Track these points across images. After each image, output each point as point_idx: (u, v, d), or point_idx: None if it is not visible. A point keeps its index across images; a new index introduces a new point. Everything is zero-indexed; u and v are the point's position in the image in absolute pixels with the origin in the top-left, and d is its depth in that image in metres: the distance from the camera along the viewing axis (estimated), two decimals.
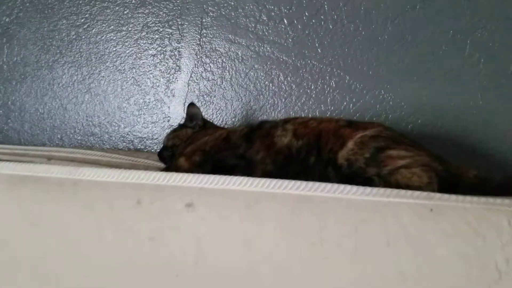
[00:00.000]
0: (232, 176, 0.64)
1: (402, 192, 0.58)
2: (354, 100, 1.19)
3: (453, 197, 0.56)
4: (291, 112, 1.23)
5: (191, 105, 1.09)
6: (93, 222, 0.67)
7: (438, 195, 0.57)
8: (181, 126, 1.10)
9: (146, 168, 1.13)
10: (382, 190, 0.59)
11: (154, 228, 0.65)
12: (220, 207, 0.63)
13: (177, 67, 1.32)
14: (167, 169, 0.98)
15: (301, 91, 1.22)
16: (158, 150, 1.11)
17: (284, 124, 0.88)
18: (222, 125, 1.24)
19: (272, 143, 0.85)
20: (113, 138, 1.36)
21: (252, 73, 1.26)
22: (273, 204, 0.62)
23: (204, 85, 1.30)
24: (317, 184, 0.61)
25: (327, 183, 0.61)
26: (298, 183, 0.61)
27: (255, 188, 0.62)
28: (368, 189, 0.59)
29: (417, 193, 0.57)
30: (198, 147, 0.94)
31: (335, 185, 0.60)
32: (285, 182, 0.62)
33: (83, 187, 0.69)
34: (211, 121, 1.19)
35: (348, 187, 0.60)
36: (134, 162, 1.15)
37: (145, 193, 0.66)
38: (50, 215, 0.70)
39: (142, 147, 1.34)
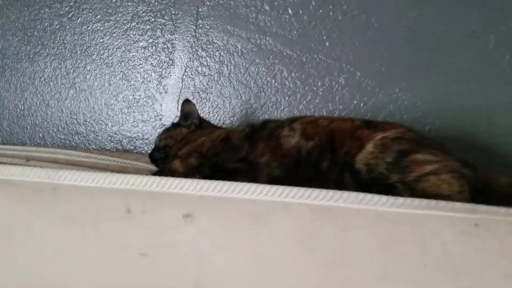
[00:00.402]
0: (237, 183, 0.57)
1: (442, 203, 0.51)
2: (365, 98, 1.12)
3: (502, 210, 0.49)
4: (296, 111, 1.16)
5: (186, 102, 1.02)
6: (75, 234, 0.61)
7: (484, 207, 0.49)
8: (174, 125, 1.05)
9: (137, 171, 1.06)
10: (417, 201, 0.52)
11: (146, 242, 0.58)
12: (224, 219, 0.57)
13: (170, 61, 1.26)
14: (160, 172, 0.92)
15: (306, 88, 1.16)
16: (149, 151, 1.06)
17: (290, 124, 0.82)
18: (219, 125, 1.17)
19: (278, 145, 0.78)
20: (100, 137, 1.30)
21: (252, 68, 1.20)
22: (286, 215, 0.55)
23: (200, 81, 1.24)
24: (338, 193, 0.54)
25: (350, 192, 0.54)
26: (315, 191, 0.54)
27: (265, 197, 0.55)
28: (400, 200, 0.52)
29: (458, 204, 0.50)
30: (194, 149, 0.88)
31: (360, 195, 0.53)
32: (301, 190, 0.54)
33: (64, 193, 0.62)
34: (207, 120, 1.11)
35: (376, 196, 0.52)
36: (123, 164, 1.08)
37: (135, 201, 0.59)
38: (24, 225, 0.63)
39: (132, 147, 1.28)
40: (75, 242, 0.60)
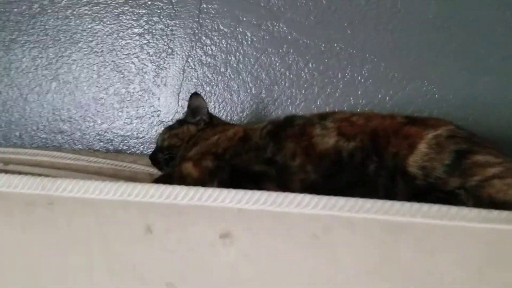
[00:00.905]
0: (287, 193, 0.47)
1: None
2: (391, 92, 1.05)
3: None
4: (313, 106, 1.10)
5: (195, 95, 0.95)
6: (78, 259, 0.50)
7: None
8: (180, 123, 0.96)
9: (134, 174, 0.97)
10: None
11: (173, 269, 0.48)
12: (271, 238, 0.47)
13: (170, 50, 1.17)
14: (167, 177, 0.81)
15: (325, 80, 1.09)
16: (145, 152, 1.04)
17: (321, 121, 0.74)
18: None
19: (311, 145, 0.70)
20: (87, 136, 1.21)
21: (264, 58, 1.12)
22: (350, 234, 0.45)
23: (204, 72, 1.16)
24: (415, 205, 0.45)
25: (431, 205, 0.45)
26: (387, 204, 0.45)
27: (323, 211, 0.46)
28: (493, 213, 0.43)
29: None
30: (207, 149, 0.79)
31: (443, 208, 0.44)
32: (368, 203, 0.45)
33: (63, 207, 0.52)
34: (217, 116, 1.04)
35: (465, 210, 0.44)
36: (118, 167, 0.99)
37: (157, 218, 0.49)
38: (14, 248, 0.52)
39: (125, 147, 1.19)
40: (80, 269, 0.50)
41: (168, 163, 0.91)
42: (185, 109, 1.07)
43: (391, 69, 1.07)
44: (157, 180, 0.82)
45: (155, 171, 0.95)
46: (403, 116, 0.73)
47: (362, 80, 1.08)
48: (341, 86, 1.09)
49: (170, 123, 1.12)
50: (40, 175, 0.67)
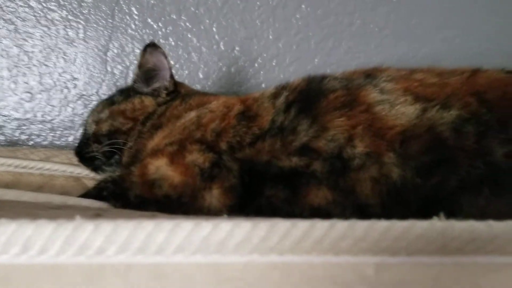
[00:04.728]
0: None
1: None
2: (415, 45, 0.92)
3: None
4: (308, 67, 0.93)
5: (152, 48, 0.71)
6: None
7: None
8: (125, 94, 0.74)
9: (48, 180, 0.75)
10: None
11: None
12: None
13: None
14: (114, 185, 0.59)
15: (325, 30, 0.92)
16: (63, 143, 0.91)
17: (371, 81, 0.54)
18: None
19: (376, 119, 0.49)
20: None
21: None
22: None
23: (145, 20, 0.94)
24: None
25: None
26: None
27: None
28: None
29: None
30: (187, 135, 0.58)
31: None
32: None
33: None
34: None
35: None
36: (20, 170, 0.72)
37: None
38: None
39: (24, 137, 0.95)
40: None
41: (109, 158, 0.69)
42: (117, 75, 0.90)
43: (416, 14, 0.93)
44: (97, 191, 0.59)
45: (85, 173, 0.72)
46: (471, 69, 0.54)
47: (376, 30, 0.92)
48: (347, 38, 0.93)
49: (94, 97, 0.90)
50: None
